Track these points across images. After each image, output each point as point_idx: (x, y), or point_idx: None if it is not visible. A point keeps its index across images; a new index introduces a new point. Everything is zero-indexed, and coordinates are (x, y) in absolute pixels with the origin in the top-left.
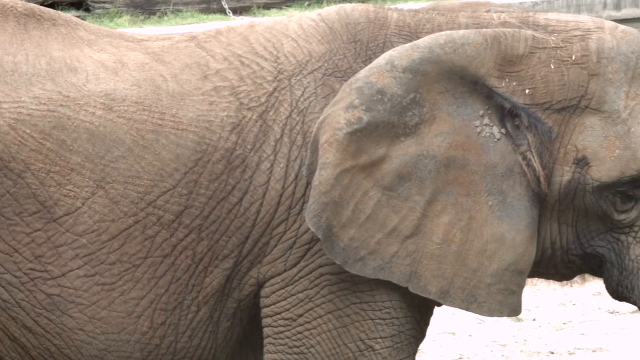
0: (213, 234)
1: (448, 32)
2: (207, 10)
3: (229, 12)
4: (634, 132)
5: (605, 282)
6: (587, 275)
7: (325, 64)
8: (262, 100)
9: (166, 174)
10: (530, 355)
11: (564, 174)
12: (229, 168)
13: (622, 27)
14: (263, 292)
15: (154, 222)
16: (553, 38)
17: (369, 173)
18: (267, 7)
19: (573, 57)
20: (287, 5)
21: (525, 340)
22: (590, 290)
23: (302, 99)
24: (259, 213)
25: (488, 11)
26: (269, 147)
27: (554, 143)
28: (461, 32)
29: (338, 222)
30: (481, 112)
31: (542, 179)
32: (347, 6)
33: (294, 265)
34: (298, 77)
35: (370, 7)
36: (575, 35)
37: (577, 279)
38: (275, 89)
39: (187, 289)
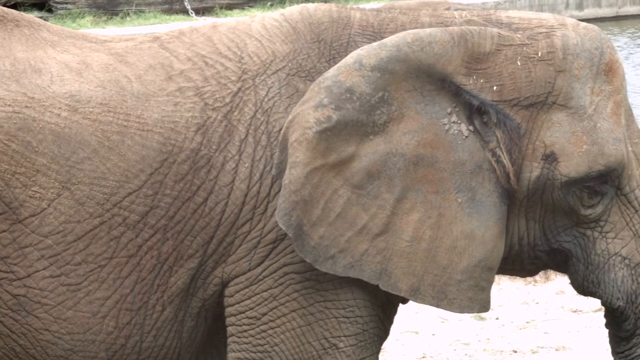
0: (178, 234)
1: (415, 30)
2: (170, 11)
3: (192, 13)
4: (600, 128)
5: (571, 277)
6: (550, 274)
7: (289, 64)
8: (227, 100)
9: (132, 175)
10: (493, 354)
11: (533, 170)
12: (194, 168)
13: (583, 24)
14: (227, 291)
15: (120, 222)
16: (518, 35)
17: (339, 171)
18: (229, 7)
19: (539, 54)
20: (249, 6)
21: (488, 339)
22: (553, 289)
23: (266, 99)
24: (224, 213)
25: (448, 9)
26: (233, 147)
27: (523, 139)
28: (428, 30)
29: (308, 220)
30: (449, 110)
31: (511, 175)
32: (310, 6)
33: (259, 264)
34: (262, 77)
35: (332, 6)
36: (540, 33)
37: (539, 277)
38: (239, 89)
39: (152, 288)
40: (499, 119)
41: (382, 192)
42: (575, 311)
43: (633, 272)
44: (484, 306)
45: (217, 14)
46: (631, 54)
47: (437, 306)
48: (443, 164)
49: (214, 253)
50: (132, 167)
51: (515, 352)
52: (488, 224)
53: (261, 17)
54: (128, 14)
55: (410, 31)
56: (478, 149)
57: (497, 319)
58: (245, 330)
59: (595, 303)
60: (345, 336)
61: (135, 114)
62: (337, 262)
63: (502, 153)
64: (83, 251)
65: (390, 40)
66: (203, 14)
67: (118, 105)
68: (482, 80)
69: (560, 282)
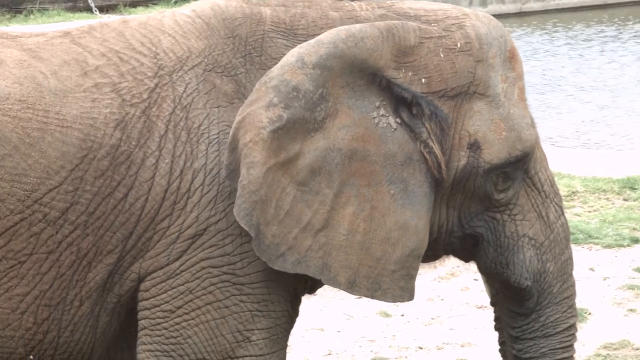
0: (98, 229)
1: (347, 27)
2: (74, 9)
3: (96, 11)
4: (513, 114)
5: (480, 261)
6: (455, 271)
7: (205, 60)
8: (144, 96)
9: (52, 172)
10: (399, 351)
11: (460, 159)
12: (114, 164)
13: (481, 13)
14: (143, 285)
15: (40, 219)
16: (435, 28)
17: (286, 170)
18: (133, 5)
19: (458, 45)
20: (153, 3)
21: (393, 335)
22: (459, 285)
23: (184, 95)
24: (143, 208)
25: (346, 1)
26: (153, 143)
27: (450, 129)
28: (358, 26)
29: (264, 219)
30: (377, 104)
31: (442, 165)
32: (220, 2)
33: (177, 259)
34: (179, 74)
35: (242, 3)
36: (452, 24)
37: (445, 274)
38: (156, 85)
39: (71, 284)
40: (430, 110)
41: (322, 188)
42: (480, 307)
43: (538, 251)
44: (412, 294)
45: (120, 11)
46: (537, 49)
47: (372, 297)
48: (374, 157)
49: (133, 248)
50: (52, 163)
51: (421, 348)
52: (420, 214)
53: (171, 12)
54: (32, 12)
55: (342, 27)
56: (407, 140)
57: (402, 315)
58: (159, 324)
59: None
60: (258, 329)
61: (54, 111)
62: (286, 259)
63: (434, 144)
64: (3, 247)
65: (326, 37)
66: (107, 11)
67: (36, 102)
68: (410, 74)
69: (465, 278)
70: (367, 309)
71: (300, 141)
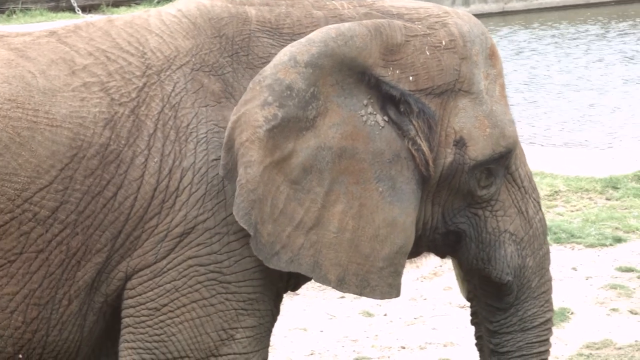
0: (87, 228)
1: (336, 25)
2: (56, 9)
3: (78, 10)
4: (496, 111)
5: (462, 258)
6: (437, 271)
7: (193, 59)
8: (133, 95)
9: (43, 171)
10: (381, 350)
11: (447, 156)
12: (103, 163)
13: (460, 11)
14: (129, 284)
15: (30, 218)
16: (419, 26)
17: (280, 168)
18: (116, 4)
19: (443, 43)
20: (136, 3)
21: (376, 335)
22: (441, 285)
23: (173, 94)
24: (133, 207)
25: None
26: (142, 141)
27: (438, 127)
28: (347, 24)
29: (260, 218)
30: (365, 102)
31: (430, 162)
32: (205, 2)
33: (164, 257)
34: (167, 73)
35: (227, 2)
36: (436, 22)
37: (427, 273)
38: (145, 84)
39: (60, 283)
40: (418, 108)
41: (314, 186)
42: (462, 307)
43: (518, 247)
44: (399, 291)
45: (103, 11)
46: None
47: (361, 294)
48: (363, 155)
49: (121, 247)
50: (43, 162)
51: (404, 348)
52: (408, 211)
53: (157, 12)
54: (14, 12)
55: (331, 26)
56: (395, 138)
57: (385, 315)
58: (143, 321)
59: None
60: (242, 328)
61: (44, 110)
62: (280, 258)
63: (422, 141)
64: None
65: (316, 36)
66: (89, 11)
67: (26, 101)
68: (398, 71)
69: (447, 278)
70: (349, 308)
71: (294, 140)
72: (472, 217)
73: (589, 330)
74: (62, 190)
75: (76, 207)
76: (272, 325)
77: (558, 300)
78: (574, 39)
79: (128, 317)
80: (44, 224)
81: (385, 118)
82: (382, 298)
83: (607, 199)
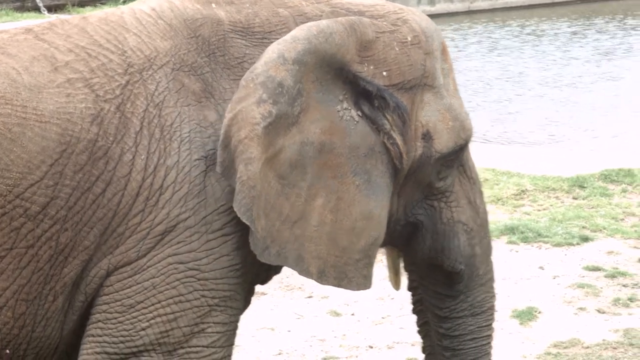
0: (77, 224)
1: (316, 22)
2: (22, 9)
3: (44, 11)
4: (454, 104)
5: (417, 248)
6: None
7: (173, 59)
8: (117, 92)
9: (34, 166)
10: (349, 350)
11: (417, 149)
12: (92, 159)
13: (409, 7)
14: (107, 281)
15: (21, 214)
16: (384, 23)
17: (272, 164)
18: (81, 4)
19: (409, 39)
20: (101, 3)
21: (344, 335)
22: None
23: (156, 93)
24: (119, 204)
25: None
26: (130, 139)
27: (410, 121)
28: (325, 22)
29: (257, 214)
30: (340, 97)
31: (404, 155)
32: (176, 2)
33: (144, 255)
34: (149, 72)
35: (196, 3)
36: (397, 19)
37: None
38: (127, 82)
39: (47, 279)
40: (393, 102)
41: (298, 181)
42: None
43: (469, 236)
44: (372, 282)
45: (69, 11)
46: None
47: (339, 286)
48: (340, 149)
49: (105, 244)
50: (33, 158)
51: (371, 347)
52: (383, 204)
53: (130, 10)
54: None
55: (312, 24)
56: (369, 133)
57: (352, 314)
58: (115, 317)
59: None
60: (214, 323)
61: (32, 106)
62: (270, 251)
63: (397, 135)
64: None
65: (300, 33)
66: (55, 11)
67: (14, 98)
68: (372, 67)
69: None
70: (317, 308)
71: (283, 136)
72: (429, 209)
73: (557, 330)
74: (53, 185)
75: (66, 203)
76: (238, 324)
77: (525, 299)
78: (541, 37)
79: (99, 313)
80: (35, 220)
81: (359, 113)
82: (358, 289)
83: (574, 198)
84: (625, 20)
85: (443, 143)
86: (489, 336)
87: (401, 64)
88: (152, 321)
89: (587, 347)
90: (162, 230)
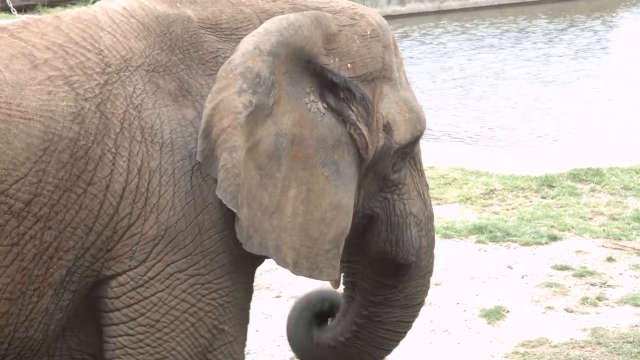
0: (59, 223)
1: (285, 16)
2: None
3: (14, 11)
4: (408, 97)
5: (372, 241)
6: None
7: (147, 60)
8: (97, 91)
9: (19, 163)
10: None
11: (379, 141)
12: (73, 158)
13: (361, 5)
14: (111, 291)
15: (5, 210)
16: (343, 17)
17: (252, 154)
18: (51, 5)
19: (368, 32)
20: (71, 4)
21: None
22: None
23: (134, 95)
24: (102, 205)
25: None
26: (110, 140)
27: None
28: (293, 15)
29: (241, 202)
30: (307, 90)
31: (370, 146)
32: (144, 1)
33: (142, 262)
34: (126, 73)
35: (162, 3)
36: (354, 13)
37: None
38: (106, 81)
39: (31, 278)
40: (359, 94)
41: (274, 172)
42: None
43: (419, 228)
44: (339, 272)
45: (39, 11)
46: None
47: (311, 277)
48: (309, 141)
49: (92, 247)
50: (18, 155)
51: None
52: (350, 194)
53: (101, 8)
54: None
55: (281, 17)
56: (335, 124)
57: None
58: (141, 340)
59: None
60: (229, 319)
61: (15, 103)
62: (253, 242)
63: (362, 126)
64: None
65: (272, 26)
66: (25, 11)
67: None
68: (337, 59)
69: None
70: (285, 308)
71: (261, 126)
72: (383, 201)
73: (525, 329)
74: (36, 182)
75: (49, 200)
76: (250, 300)
77: (493, 298)
78: (511, 37)
79: (121, 335)
80: (18, 217)
81: (325, 105)
82: (328, 279)
83: (543, 198)
84: (601, 19)
85: (401, 134)
86: (403, 334)
87: (364, 57)
88: (178, 339)
89: (555, 346)
90: (153, 236)
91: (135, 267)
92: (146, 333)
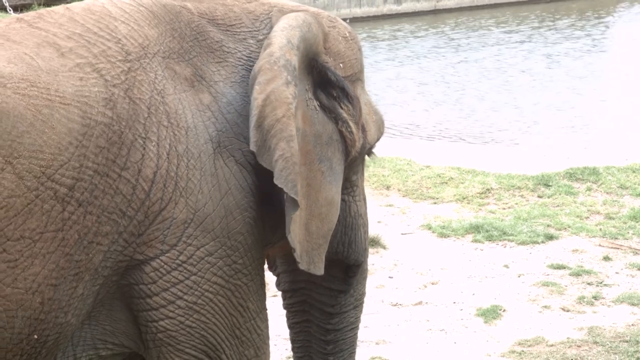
0: (97, 208)
1: (297, 14)
2: None
3: (10, 10)
4: (369, 100)
5: (330, 243)
6: (370, 269)
7: (162, 48)
8: (122, 78)
9: (63, 148)
10: None
11: (360, 140)
12: (109, 142)
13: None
14: (147, 277)
15: (51, 196)
16: (325, 20)
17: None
18: (47, 4)
19: (347, 34)
20: (66, 2)
21: None
22: (374, 283)
23: (157, 81)
24: (134, 189)
25: None
26: (140, 124)
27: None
28: (302, 14)
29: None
30: (306, 87)
31: (357, 144)
32: None
33: (173, 247)
34: (146, 60)
35: None
36: (329, 17)
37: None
38: (129, 69)
39: (73, 264)
40: (352, 93)
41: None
42: (395, 305)
43: (364, 230)
44: (323, 267)
45: (35, 10)
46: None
47: (308, 270)
48: (309, 137)
49: (124, 231)
50: (62, 139)
51: None
52: (339, 190)
53: (108, 0)
54: None
55: (295, 14)
56: (327, 121)
57: None
58: (182, 322)
59: (415, 297)
60: (252, 296)
61: (54, 89)
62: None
63: (353, 124)
64: (21, 226)
65: (291, 22)
66: (21, 10)
67: (36, 80)
68: (331, 59)
69: (379, 276)
70: (281, 307)
71: (297, 117)
72: (341, 202)
73: (521, 328)
74: (78, 167)
75: (89, 185)
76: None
77: (490, 297)
78: (508, 36)
79: (162, 319)
80: (62, 202)
81: (318, 103)
82: (318, 273)
83: (539, 197)
84: (591, 19)
85: (372, 135)
86: (358, 327)
87: (350, 57)
88: (213, 319)
89: (552, 345)
90: (183, 220)
91: (167, 251)
92: (186, 315)
